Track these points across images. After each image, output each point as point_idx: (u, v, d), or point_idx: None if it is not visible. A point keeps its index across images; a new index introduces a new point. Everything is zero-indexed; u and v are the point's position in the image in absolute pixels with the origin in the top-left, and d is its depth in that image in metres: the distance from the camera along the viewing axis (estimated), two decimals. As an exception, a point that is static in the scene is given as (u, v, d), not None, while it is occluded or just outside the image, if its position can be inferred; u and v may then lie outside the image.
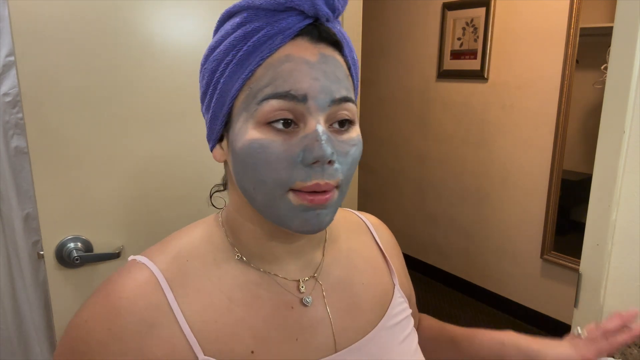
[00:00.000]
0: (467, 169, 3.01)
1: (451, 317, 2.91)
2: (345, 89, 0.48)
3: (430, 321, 0.81)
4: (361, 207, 1.65)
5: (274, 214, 0.48)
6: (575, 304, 1.03)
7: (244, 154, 0.47)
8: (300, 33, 0.47)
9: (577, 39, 2.34)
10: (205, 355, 0.49)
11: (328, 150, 0.45)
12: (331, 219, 0.49)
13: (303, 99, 0.45)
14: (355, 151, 0.49)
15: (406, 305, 0.66)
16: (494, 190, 2.87)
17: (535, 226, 2.67)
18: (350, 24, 1.41)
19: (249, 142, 0.46)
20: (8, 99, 1.27)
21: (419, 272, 3.40)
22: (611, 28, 0.94)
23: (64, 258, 1.01)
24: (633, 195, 0.93)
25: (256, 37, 0.47)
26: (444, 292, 3.20)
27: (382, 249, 0.68)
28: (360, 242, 0.67)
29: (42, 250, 1.01)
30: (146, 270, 0.51)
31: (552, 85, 2.48)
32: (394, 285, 0.66)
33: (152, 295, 0.49)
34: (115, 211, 1.06)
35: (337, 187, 0.48)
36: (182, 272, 0.51)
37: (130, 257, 0.53)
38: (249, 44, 0.47)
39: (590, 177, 0.98)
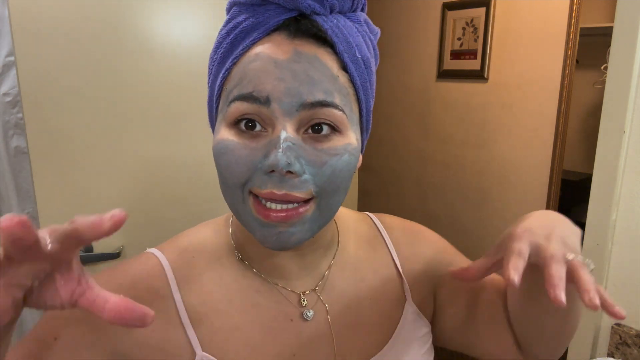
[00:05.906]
0: (467, 169, 3.01)
1: (451, 317, 2.90)
2: (323, 91, 0.41)
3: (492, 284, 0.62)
4: (361, 207, 1.66)
5: (240, 219, 0.45)
6: (575, 304, 1.03)
7: (214, 154, 0.45)
8: (278, 28, 0.42)
9: (577, 39, 2.35)
10: (203, 351, 0.48)
11: (283, 159, 0.39)
12: (303, 237, 0.44)
13: (266, 101, 0.41)
14: (338, 162, 0.42)
15: (422, 322, 0.59)
16: (494, 190, 2.87)
17: (535, 226, 2.67)
18: (350, 24, 1.41)
19: (216, 142, 0.44)
20: (8, 99, 1.27)
21: (419, 272, 3.39)
22: (611, 28, 0.94)
23: (64, 258, 1.01)
24: (633, 195, 0.93)
25: (234, 33, 0.44)
26: (444, 292, 3.20)
27: (395, 257, 0.60)
28: (371, 250, 0.60)
29: (42, 250, 1.01)
30: (154, 259, 0.51)
31: (552, 85, 2.48)
32: (406, 299, 0.59)
33: (155, 280, 0.49)
34: (115, 211, 1.06)
35: (311, 199, 0.43)
36: (189, 266, 0.51)
37: (146, 250, 0.54)
38: (227, 41, 0.44)
39: (590, 177, 0.98)
